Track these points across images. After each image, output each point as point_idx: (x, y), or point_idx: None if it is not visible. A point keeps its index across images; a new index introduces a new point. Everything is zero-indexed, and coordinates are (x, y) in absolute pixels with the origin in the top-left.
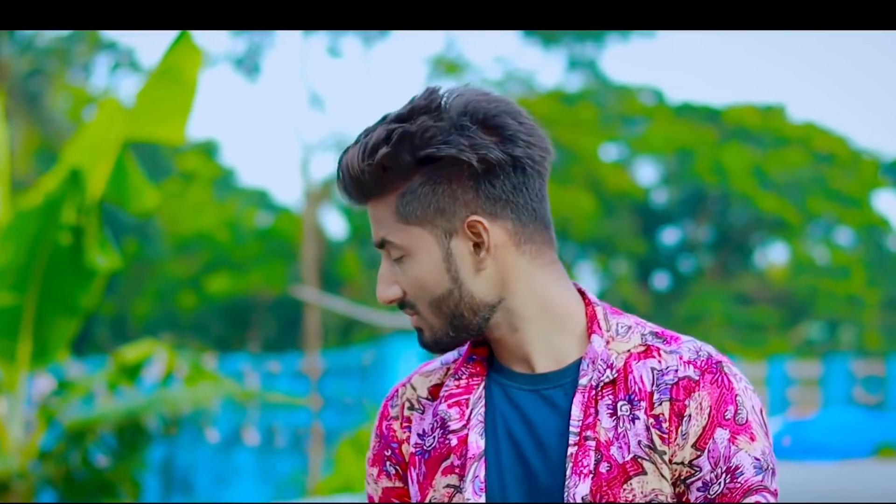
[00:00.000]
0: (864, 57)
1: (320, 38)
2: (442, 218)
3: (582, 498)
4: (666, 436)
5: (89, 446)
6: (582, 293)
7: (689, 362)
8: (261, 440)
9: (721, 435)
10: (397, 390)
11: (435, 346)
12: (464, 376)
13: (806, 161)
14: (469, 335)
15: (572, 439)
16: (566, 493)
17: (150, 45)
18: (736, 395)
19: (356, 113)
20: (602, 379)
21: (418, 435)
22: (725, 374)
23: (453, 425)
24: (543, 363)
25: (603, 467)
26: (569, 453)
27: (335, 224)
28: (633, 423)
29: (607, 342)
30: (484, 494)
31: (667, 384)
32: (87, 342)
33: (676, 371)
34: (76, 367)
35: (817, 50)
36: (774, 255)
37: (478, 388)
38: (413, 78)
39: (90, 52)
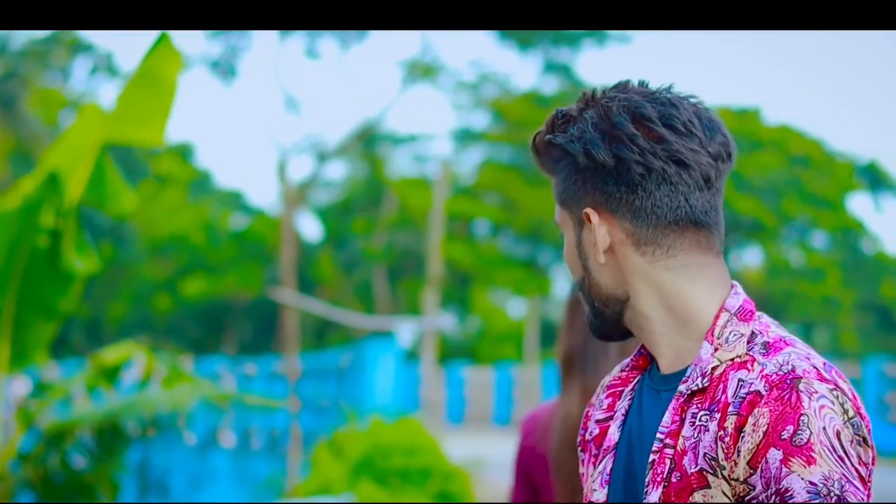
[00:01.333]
0: (838, 59)
1: (296, 40)
2: (572, 204)
3: None
4: (727, 450)
5: (68, 448)
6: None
7: (765, 376)
8: (237, 442)
9: (774, 455)
10: (606, 377)
11: (591, 329)
12: (627, 368)
13: (781, 163)
14: (609, 326)
15: (656, 445)
16: (644, 499)
17: (128, 48)
18: (800, 415)
19: (331, 116)
20: (691, 387)
21: (595, 422)
22: (799, 391)
23: (598, 415)
24: (667, 364)
25: (675, 476)
26: (650, 459)
27: (310, 227)
28: (705, 435)
29: (715, 349)
30: (607, 488)
31: (740, 398)
32: (63, 345)
33: (751, 385)
34: (54, 370)
35: (793, 52)
36: (750, 258)
37: (633, 381)
38: (389, 81)
39: (67, 55)
